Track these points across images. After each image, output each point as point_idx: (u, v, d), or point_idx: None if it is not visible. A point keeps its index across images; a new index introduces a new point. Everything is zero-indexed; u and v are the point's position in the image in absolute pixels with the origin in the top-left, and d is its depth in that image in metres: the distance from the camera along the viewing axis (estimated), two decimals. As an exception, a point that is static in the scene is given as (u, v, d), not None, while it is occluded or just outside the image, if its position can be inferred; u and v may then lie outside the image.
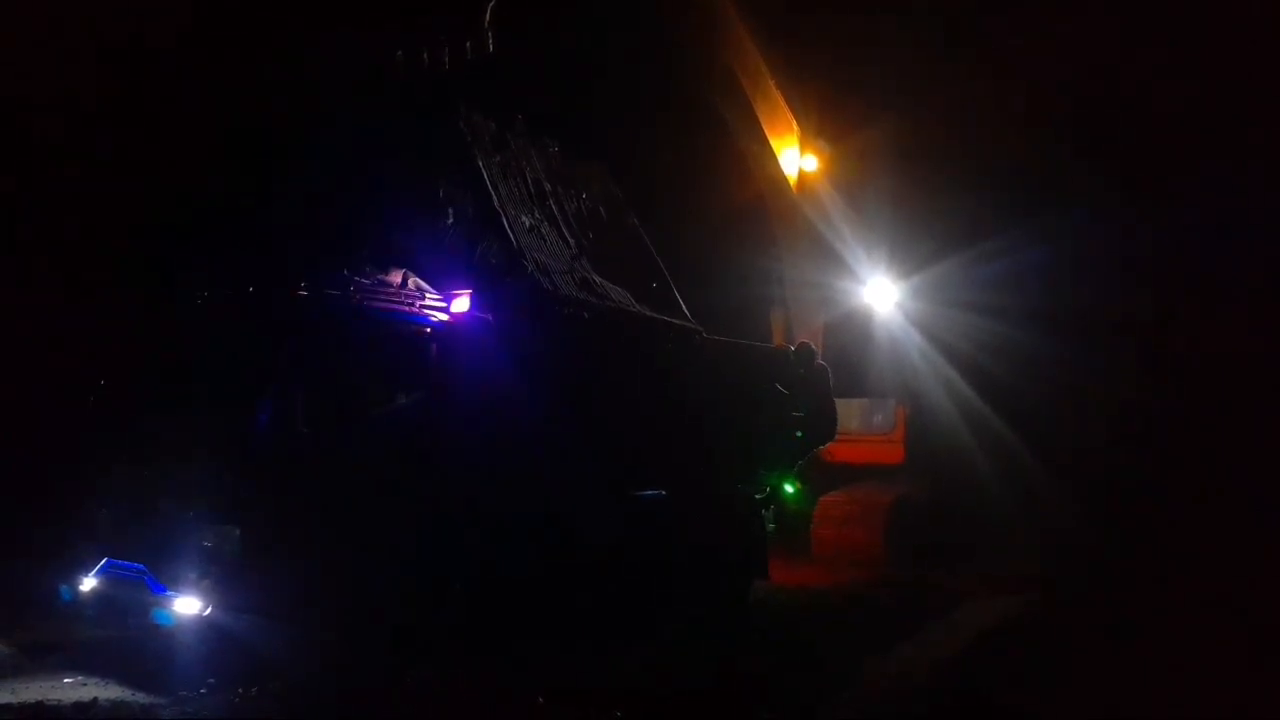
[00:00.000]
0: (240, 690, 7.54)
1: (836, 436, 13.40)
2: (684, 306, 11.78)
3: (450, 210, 9.94)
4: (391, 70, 10.86)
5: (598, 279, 10.75)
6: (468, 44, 11.30)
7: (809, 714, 8.02)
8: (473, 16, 11.49)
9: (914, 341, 16.30)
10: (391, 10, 11.55)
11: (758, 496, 12.29)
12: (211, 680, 7.68)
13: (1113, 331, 17.10)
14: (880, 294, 16.77)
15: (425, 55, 11.02)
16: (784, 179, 16.52)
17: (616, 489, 10.25)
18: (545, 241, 10.49)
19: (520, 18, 12.14)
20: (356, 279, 8.70)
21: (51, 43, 12.63)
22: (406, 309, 8.89)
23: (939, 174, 16.83)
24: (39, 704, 7.25)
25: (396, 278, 9.04)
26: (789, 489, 13.03)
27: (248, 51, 12.82)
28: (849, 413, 16.12)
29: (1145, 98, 17.64)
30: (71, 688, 7.69)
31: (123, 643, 8.42)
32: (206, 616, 7.57)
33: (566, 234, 10.94)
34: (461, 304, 9.06)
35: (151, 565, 7.78)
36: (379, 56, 11.02)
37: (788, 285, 16.65)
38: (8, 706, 7.14)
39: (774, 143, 16.39)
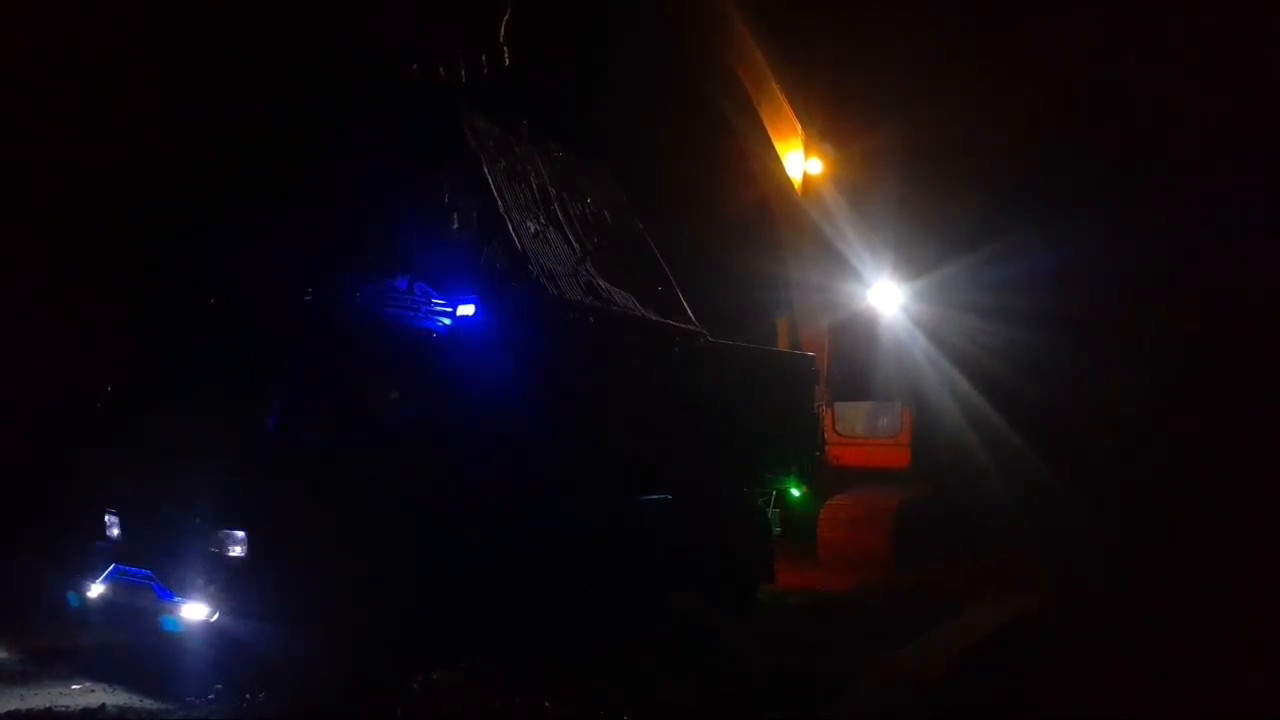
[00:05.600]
0: (247, 696, 7.54)
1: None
2: (689, 310, 11.80)
3: (456, 215, 9.98)
4: (405, 80, 10.88)
5: (603, 283, 10.78)
6: (483, 56, 11.35)
7: (815, 716, 8.03)
8: (487, 30, 11.53)
9: (919, 345, 16.31)
10: (404, 21, 11.56)
11: (763, 499, 12.31)
12: (219, 686, 7.68)
13: (1118, 334, 17.09)
14: (885, 297, 16.78)
15: (441, 69, 11.06)
16: (788, 182, 16.55)
17: (622, 492, 10.27)
18: (550, 246, 10.52)
19: (533, 30, 12.20)
20: (362, 284, 8.71)
21: (55, 38, 12.64)
22: (412, 314, 8.91)
23: (944, 177, 16.82)
24: (47, 710, 7.24)
25: (402, 283, 9.06)
26: (795, 492, 13.05)
27: (259, 54, 12.84)
28: (855, 416, 16.18)
29: (1155, 101, 17.62)
30: (79, 694, 7.70)
31: (130, 649, 8.41)
32: (214, 622, 7.57)
33: (571, 238, 10.97)
34: (467, 309, 9.08)
35: (159, 571, 7.79)
36: (390, 65, 11.05)
37: (792, 288, 16.66)
38: (16, 713, 7.14)
39: (778, 146, 16.42)
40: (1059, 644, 9.79)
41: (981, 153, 17.08)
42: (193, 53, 13.18)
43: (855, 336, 16.71)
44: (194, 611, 7.59)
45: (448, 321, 9.05)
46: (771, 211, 16.75)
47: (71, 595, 8.32)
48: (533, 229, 10.41)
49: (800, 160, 16.71)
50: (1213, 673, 8.45)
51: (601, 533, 9.72)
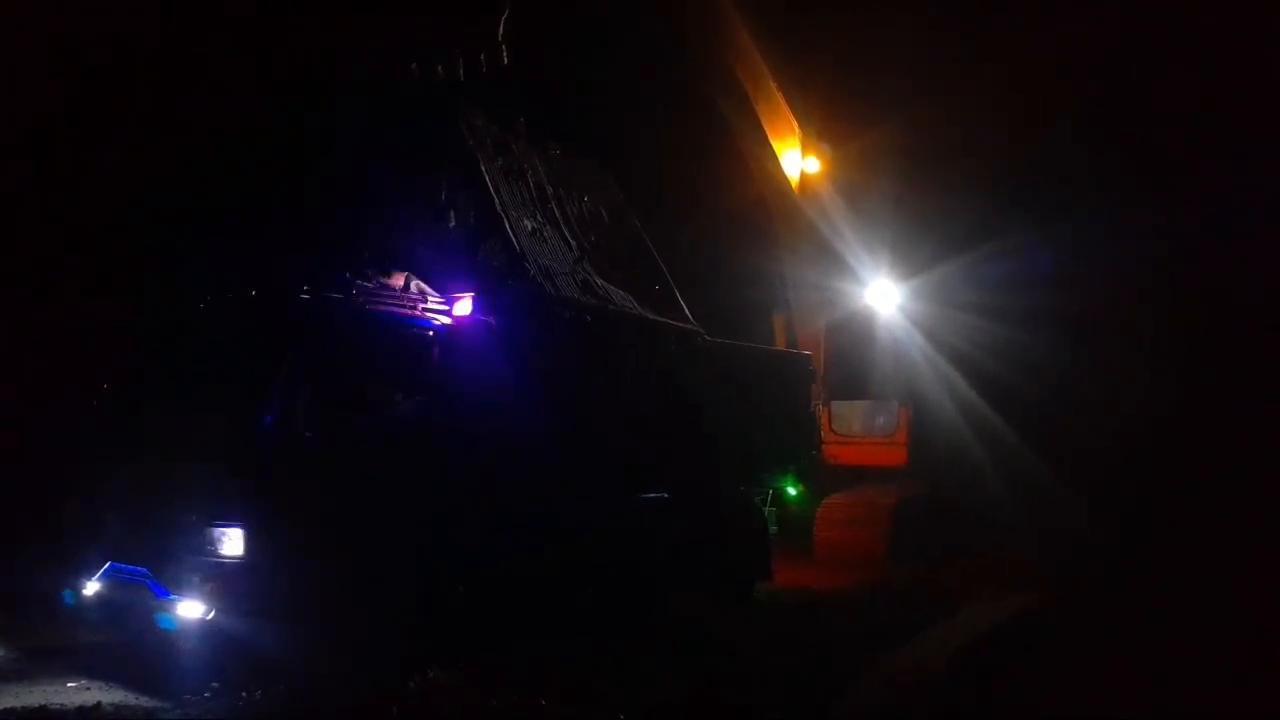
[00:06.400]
0: (244, 694, 7.53)
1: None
2: (685, 308, 11.79)
3: (453, 213, 9.97)
4: (405, 79, 10.85)
5: (599, 281, 10.76)
6: (482, 56, 11.33)
7: (813, 714, 8.01)
8: (486, 28, 11.50)
9: (916, 343, 16.30)
10: (404, 20, 11.54)
11: (760, 498, 12.30)
12: (215, 684, 7.66)
13: (1117, 333, 17.10)
14: (882, 296, 16.76)
15: (440, 68, 11.04)
16: (786, 180, 16.52)
17: (619, 491, 10.26)
18: (547, 244, 10.50)
19: (531, 28, 12.18)
20: (359, 282, 8.69)
21: (55, 38, 12.63)
22: (409, 312, 8.90)
23: (941, 175, 16.83)
24: (43, 708, 7.23)
25: (399, 281, 9.04)
26: (792, 491, 13.04)
27: (258, 54, 12.83)
28: (852, 415, 16.17)
29: (1152, 99, 17.64)
30: (75, 692, 7.69)
31: (126, 647, 8.42)
32: (210, 620, 7.56)
33: (568, 236, 10.95)
34: (464, 307, 9.07)
35: (155, 569, 7.78)
36: (389, 63, 11.03)
37: (789, 287, 16.64)
38: (11, 711, 7.13)
39: (775, 144, 16.40)
40: (1058, 643, 9.79)
41: (979, 152, 17.11)
42: (192, 53, 13.17)
43: (852, 335, 16.69)
44: (190, 610, 7.58)
45: (445, 320, 9.03)
46: (769, 210, 16.72)
47: (67, 593, 8.31)
48: (530, 227, 10.39)
49: (798, 159, 16.68)
50: (1213, 673, 8.44)
51: (599, 531, 9.71)
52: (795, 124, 16.62)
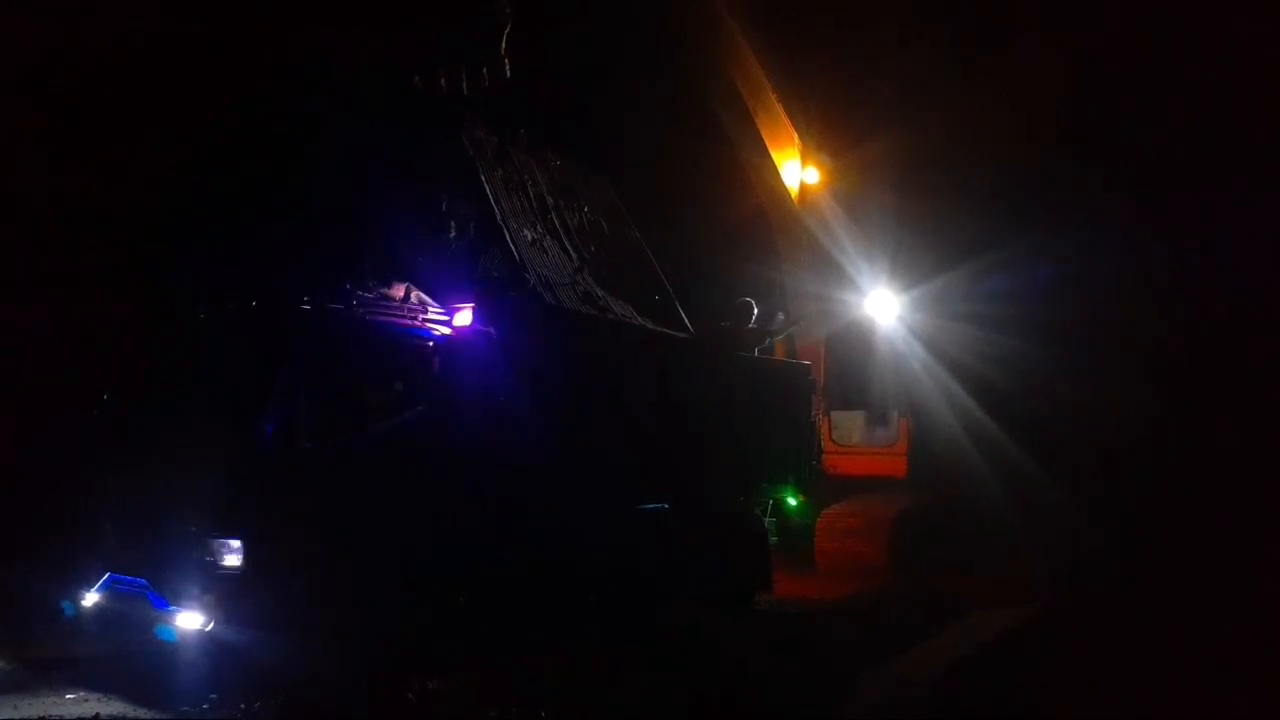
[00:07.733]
0: (243, 705, 7.52)
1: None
2: (685, 319, 11.79)
3: (453, 224, 9.98)
4: (406, 90, 10.88)
5: (599, 292, 10.78)
6: (484, 68, 11.36)
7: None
8: (488, 42, 11.53)
9: (916, 354, 16.28)
10: (406, 31, 11.56)
11: (760, 508, 12.29)
12: (214, 695, 7.66)
13: (1115, 342, 17.08)
14: (882, 306, 16.74)
15: (442, 80, 11.07)
16: (785, 191, 16.55)
17: (619, 501, 10.25)
18: (547, 254, 10.52)
19: (534, 41, 12.21)
20: (359, 292, 8.71)
21: (56, 41, 12.65)
22: (409, 322, 8.91)
23: (941, 186, 16.83)
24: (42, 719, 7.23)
25: (399, 291, 9.06)
26: (792, 501, 13.02)
27: (256, 61, 12.84)
28: (852, 425, 16.17)
29: (1151, 110, 17.64)
30: (74, 703, 7.67)
31: (125, 658, 8.40)
32: (209, 631, 7.55)
33: (568, 247, 10.97)
34: (464, 317, 9.08)
35: (154, 580, 7.76)
36: (391, 75, 11.05)
37: (789, 298, 16.64)
38: (10, 722, 7.14)
39: (775, 155, 16.43)
40: (1059, 649, 9.78)
41: (979, 162, 17.09)
42: (193, 60, 13.18)
43: (852, 346, 16.69)
44: (189, 620, 7.56)
45: (444, 330, 9.04)
46: (769, 221, 16.75)
47: (67, 604, 8.29)
48: (530, 238, 10.41)
49: (797, 170, 16.71)
50: (1213, 674, 8.44)
51: (598, 541, 9.70)
52: (795, 135, 16.65)
